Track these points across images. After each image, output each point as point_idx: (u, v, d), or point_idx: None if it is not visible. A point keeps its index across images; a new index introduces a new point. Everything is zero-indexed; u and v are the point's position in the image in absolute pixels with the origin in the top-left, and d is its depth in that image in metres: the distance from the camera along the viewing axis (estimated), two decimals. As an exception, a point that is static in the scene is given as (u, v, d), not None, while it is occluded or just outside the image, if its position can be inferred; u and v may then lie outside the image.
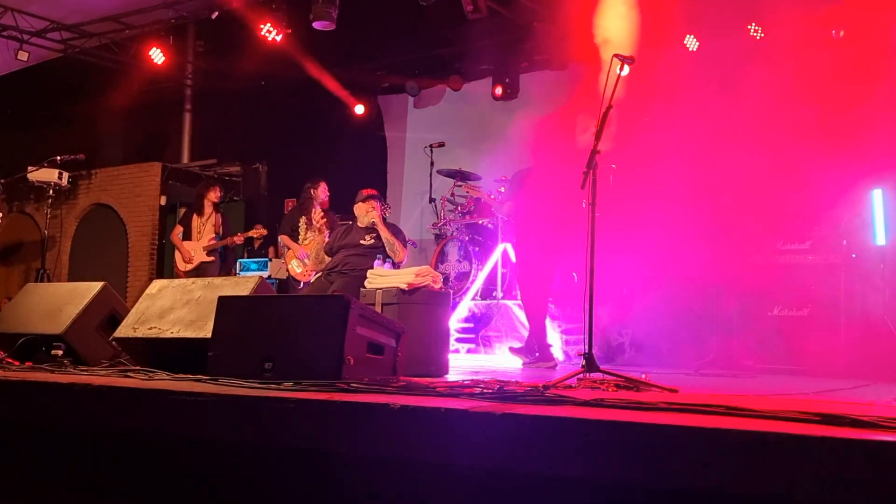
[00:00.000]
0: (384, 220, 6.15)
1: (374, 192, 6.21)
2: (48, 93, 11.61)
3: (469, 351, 6.88)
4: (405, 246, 5.95)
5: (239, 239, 8.07)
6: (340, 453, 2.16)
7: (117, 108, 11.73)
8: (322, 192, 7.61)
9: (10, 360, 3.66)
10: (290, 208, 8.44)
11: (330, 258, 6.04)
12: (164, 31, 9.79)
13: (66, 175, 9.25)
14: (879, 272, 5.77)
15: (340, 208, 8.01)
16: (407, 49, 9.85)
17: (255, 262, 9.14)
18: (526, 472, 1.88)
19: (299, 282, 7.34)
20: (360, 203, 6.10)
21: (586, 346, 3.53)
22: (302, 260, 7.41)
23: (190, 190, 9.65)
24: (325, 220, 7.50)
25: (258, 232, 8.45)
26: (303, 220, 7.57)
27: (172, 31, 10.01)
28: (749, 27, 7.55)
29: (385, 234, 5.83)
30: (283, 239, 7.73)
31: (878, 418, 1.80)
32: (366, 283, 4.78)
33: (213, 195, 8.12)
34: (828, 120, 6.66)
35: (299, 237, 7.53)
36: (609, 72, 3.82)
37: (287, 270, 7.60)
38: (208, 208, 8.09)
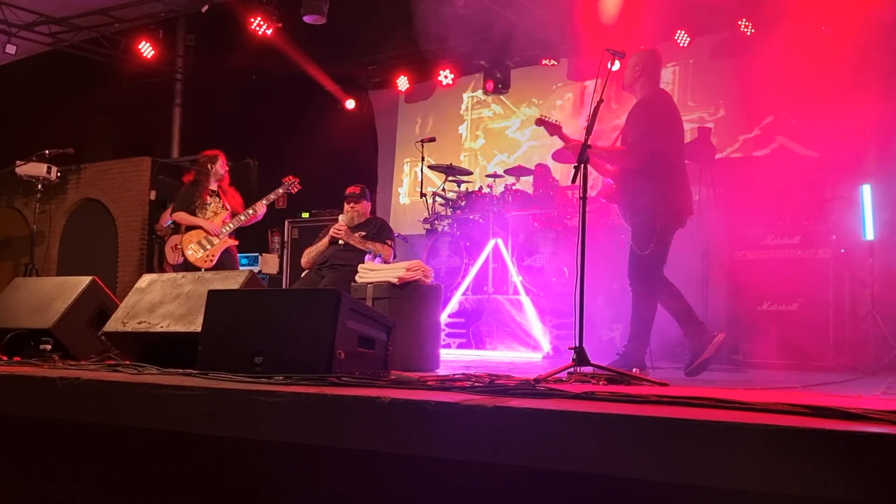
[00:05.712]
0: (370, 218, 6.10)
1: (354, 189, 6.09)
2: (37, 87, 11.52)
3: (460, 345, 6.88)
4: (386, 243, 5.85)
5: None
6: (330, 447, 2.16)
7: (107, 102, 11.67)
8: (221, 167, 6.68)
9: (-2, 355, 3.64)
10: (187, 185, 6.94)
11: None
12: (154, 24, 9.74)
13: (54, 169, 9.21)
14: (868, 267, 5.82)
15: (331, 203, 7.99)
16: (398, 44, 9.82)
17: (245, 256, 9.11)
18: (516, 465, 1.88)
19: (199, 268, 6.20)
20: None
21: (577, 340, 3.54)
22: (216, 236, 6.40)
23: (180, 185, 9.59)
24: (222, 200, 6.64)
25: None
26: (205, 197, 6.62)
27: (162, 24, 9.96)
28: (739, 23, 7.58)
29: (358, 246, 5.75)
30: (181, 217, 6.53)
31: (867, 410, 1.81)
32: (357, 278, 4.77)
33: None
34: (817, 115, 6.68)
35: (204, 214, 6.57)
36: (600, 66, 3.83)
37: (184, 256, 6.37)
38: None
